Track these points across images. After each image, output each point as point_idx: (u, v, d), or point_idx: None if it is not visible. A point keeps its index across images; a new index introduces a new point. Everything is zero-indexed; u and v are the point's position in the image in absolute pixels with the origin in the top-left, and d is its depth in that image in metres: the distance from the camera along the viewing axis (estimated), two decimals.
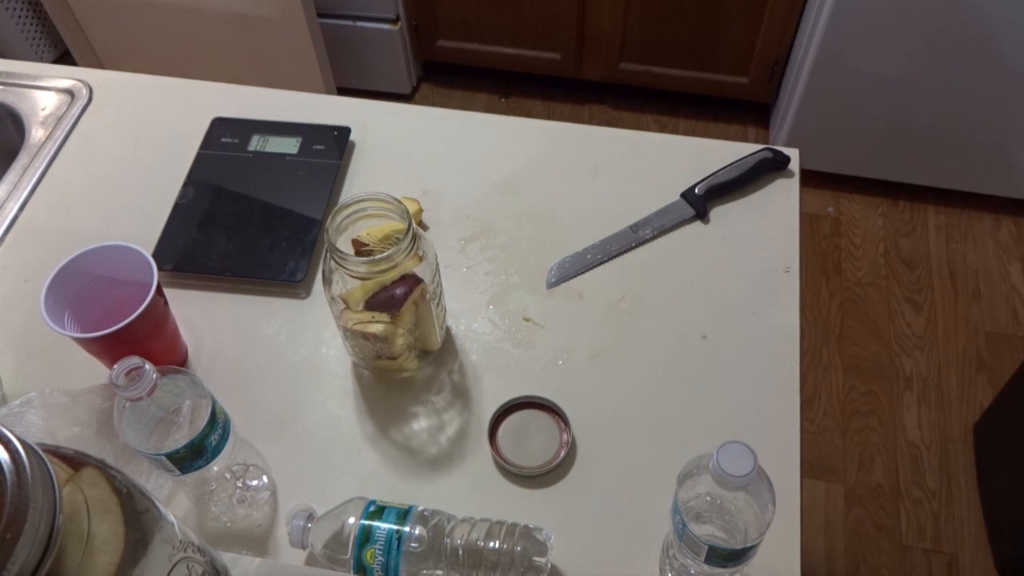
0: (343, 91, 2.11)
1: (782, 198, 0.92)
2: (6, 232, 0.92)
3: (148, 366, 0.59)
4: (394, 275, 0.69)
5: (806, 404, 1.69)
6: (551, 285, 0.87)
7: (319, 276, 0.85)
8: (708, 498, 0.59)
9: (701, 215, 0.90)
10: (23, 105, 1.03)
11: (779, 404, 0.77)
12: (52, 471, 0.41)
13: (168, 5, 1.88)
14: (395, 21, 2.04)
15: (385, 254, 0.66)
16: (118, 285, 0.76)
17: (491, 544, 0.65)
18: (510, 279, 0.87)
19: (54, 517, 0.39)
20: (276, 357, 0.82)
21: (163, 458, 0.62)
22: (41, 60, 2.21)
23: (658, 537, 0.69)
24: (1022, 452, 1.42)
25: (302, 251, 0.88)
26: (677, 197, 0.92)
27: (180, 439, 0.62)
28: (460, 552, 0.64)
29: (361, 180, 0.95)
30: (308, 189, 0.93)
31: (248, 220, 0.91)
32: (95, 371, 0.76)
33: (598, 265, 0.88)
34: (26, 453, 0.40)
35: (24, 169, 0.97)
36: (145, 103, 1.05)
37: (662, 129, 2.16)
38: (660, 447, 0.75)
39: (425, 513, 0.67)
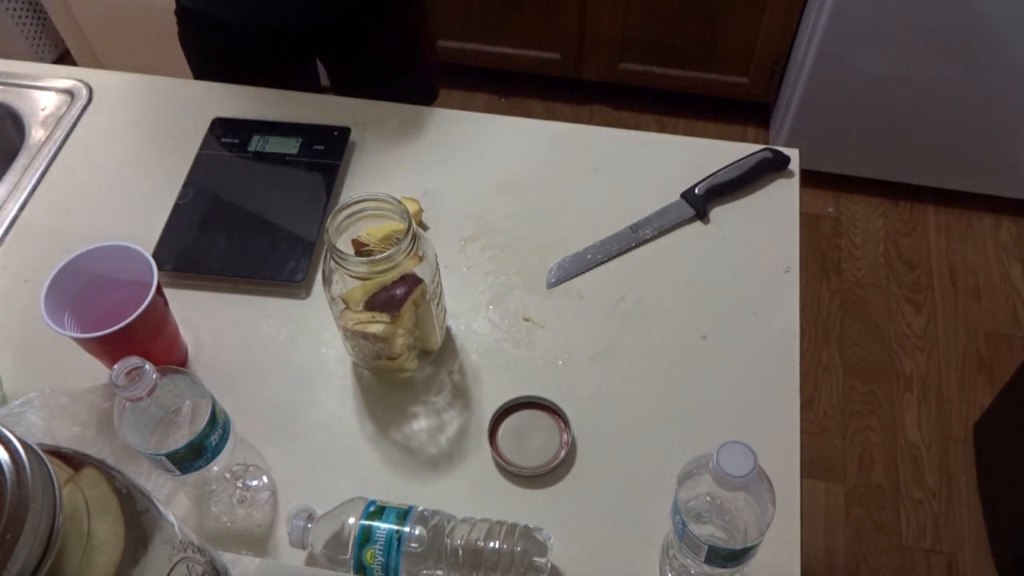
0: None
1: (782, 198, 0.92)
2: (6, 232, 0.92)
3: (148, 366, 0.59)
4: (394, 275, 0.69)
5: (806, 404, 1.69)
6: (551, 285, 0.87)
7: (319, 276, 0.85)
8: (708, 498, 0.59)
9: (701, 215, 0.90)
10: (23, 105, 1.03)
11: (779, 404, 0.77)
12: (52, 471, 0.41)
13: (168, 5, 1.88)
14: None
15: (385, 254, 0.66)
16: (118, 285, 0.76)
17: (491, 544, 0.65)
18: (510, 279, 0.87)
19: (54, 517, 0.39)
20: (276, 357, 0.82)
21: (163, 458, 0.62)
22: (41, 60, 2.21)
23: (658, 537, 0.69)
24: (1022, 452, 1.42)
25: (302, 251, 0.88)
26: (677, 197, 0.92)
27: (180, 439, 0.62)
28: (460, 552, 0.64)
29: (361, 180, 0.95)
30: (308, 189, 0.93)
31: (248, 220, 0.91)
32: (95, 371, 0.76)
33: (598, 265, 0.88)
34: (26, 453, 0.40)
35: (24, 169, 0.97)
36: (145, 103, 1.05)
37: (662, 129, 2.16)
38: (660, 447, 0.75)
39: (425, 513, 0.67)
